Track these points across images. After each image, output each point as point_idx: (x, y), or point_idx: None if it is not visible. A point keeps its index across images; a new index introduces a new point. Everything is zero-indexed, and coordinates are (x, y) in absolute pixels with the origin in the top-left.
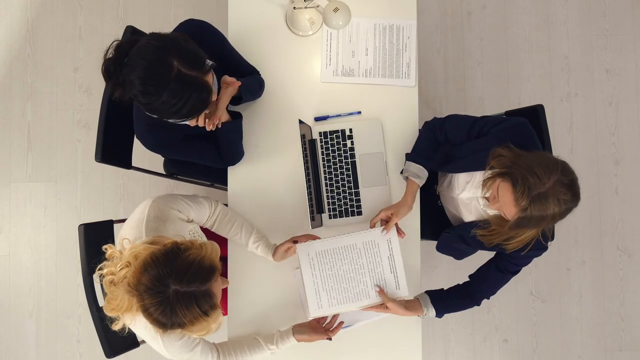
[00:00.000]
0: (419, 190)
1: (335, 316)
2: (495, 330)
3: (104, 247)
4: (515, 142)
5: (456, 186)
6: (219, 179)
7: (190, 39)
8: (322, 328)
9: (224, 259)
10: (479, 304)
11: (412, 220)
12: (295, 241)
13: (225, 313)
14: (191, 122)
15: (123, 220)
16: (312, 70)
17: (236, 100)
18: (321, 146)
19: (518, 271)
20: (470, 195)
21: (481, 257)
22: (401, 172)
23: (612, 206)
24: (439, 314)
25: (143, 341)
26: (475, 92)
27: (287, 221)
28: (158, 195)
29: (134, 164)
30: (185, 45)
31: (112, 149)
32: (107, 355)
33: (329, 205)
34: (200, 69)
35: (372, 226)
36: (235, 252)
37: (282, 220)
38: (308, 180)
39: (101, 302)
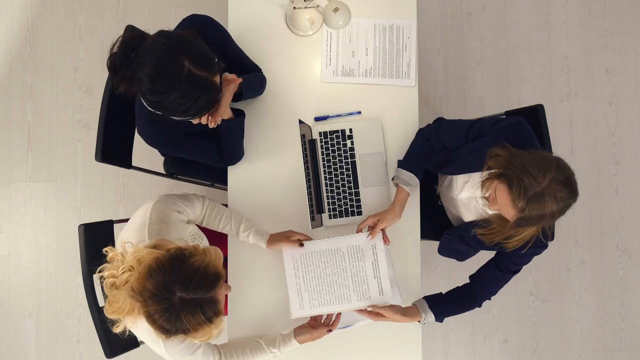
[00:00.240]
0: (408, 197)
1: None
2: (495, 330)
3: (104, 249)
4: (512, 142)
5: (455, 186)
6: (219, 179)
7: (199, 37)
8: (322, 324)
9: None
10: (480, 305)
11: (412, 220)
12: (301, 244)
13: (225, 313)
14: (194, 120)
15: (123, 220)
16: (312, 70)
17: (236, 96)
18: (321, 146)
19: (518, 270)
20: (469, 195)
21: (482, 258)
22: (392, 179)
23: (612, 206)
24: (439, 318)
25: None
26: (475, 92)
27: (287, 221)
28: (157, 198)
29: (134, 163)
30: (196, 45)
31: (112, 149)
32: (107, 355)
33: (329, 205)
34: (210, 69)
35: (359, 231)
36: (236, 253)
37: (282, 220)
38: (308, 180)
39: (101, 302)
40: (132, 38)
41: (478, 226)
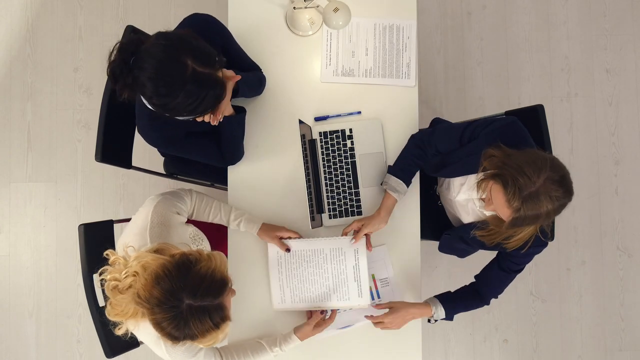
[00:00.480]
0: (395, 204)
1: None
2: (495, 330)
3: (105, 253)
4: (507, 142)
5: (452, 189)
6: (219, 179)
7: (197, 36)
8: (322, 320)
9: None
10: (488, 303)
11: (412, 220)
12: (288, 250)
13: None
14: (199, 118)
15: (123, 220)
16: (312, 70)
17: (233, 92)
18: (321, 146)
19: (521, 269)
20: (466, 197)
21: (483, 256)
22: (381, 184)
23: (612, 206)
24: (449, 315)
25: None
26: (475, 92)
27: (287, 221)
28: (156, 201)
29: (134, 163)
30: (196, 43)
31: (112, 149)
32: (107, 355)
33: (329, 205)
34: (213, 65)
35: (344, 235)
36: (236, 254)
37: (282, 220)
38: (308, 180)
39: (101, 302)
40: (129, 43)
41: (477, 228)
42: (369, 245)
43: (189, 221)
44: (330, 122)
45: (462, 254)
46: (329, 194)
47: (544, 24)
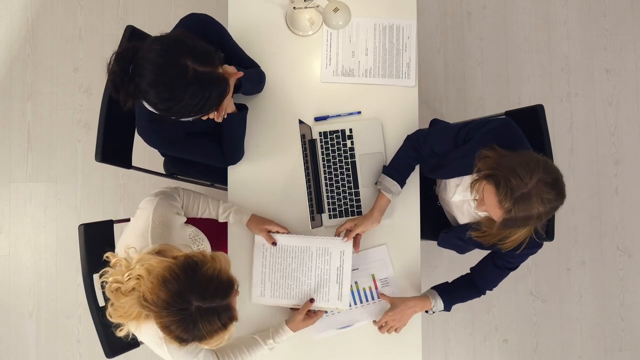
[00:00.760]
0: (389, 204)
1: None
2: (495, 330)
3: (105, 255)
4: (501, 143)
5: (448, 189)
6: (219, 179)
7: (192, 36)
8: (311, 312)
9: None
10: (484, 293)
11: (412, 220)
12: (274, 243)
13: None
14: (204, 116)
15: (123, 220)
16: (312, 70)
17: (235, 88)
18: (321, 146)
19: (516, 267)
20: (461, 198)
21: (482, 254)
22: (376, 183)
23: (612, 206)
24: (447, 306)
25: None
26: (475, 92)
27: (287, 221)
28: (155, 202)
29: (134, 163)
30: (192, 43)
31: (112, 149)
32: (107, 355)
33: (329, 205)
34: (212, 63)
35: (337, 234)
36: (234, 253)
37: (282, 220)
38: (308, 180)
39: (101, 302)
40: (125, 51)
41: (473, 229)
42: (356, 246)
43: (189, 221)
44: (330, 122)
45: (461, 250)
46: (329, 194)
47: (544, 24)
